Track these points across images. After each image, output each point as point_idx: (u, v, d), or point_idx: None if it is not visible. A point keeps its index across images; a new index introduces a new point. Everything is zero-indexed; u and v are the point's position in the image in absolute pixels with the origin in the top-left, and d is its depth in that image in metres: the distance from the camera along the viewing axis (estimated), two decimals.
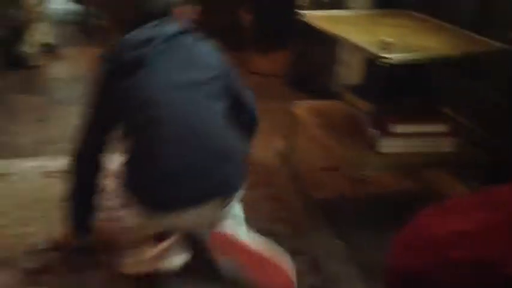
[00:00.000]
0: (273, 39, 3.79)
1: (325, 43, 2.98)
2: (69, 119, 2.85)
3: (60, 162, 2.35)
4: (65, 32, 4.38)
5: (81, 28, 4.45)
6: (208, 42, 1.77)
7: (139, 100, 1.57)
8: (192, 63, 1.67)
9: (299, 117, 2.39)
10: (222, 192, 1.61)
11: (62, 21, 4.67)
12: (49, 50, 3.79)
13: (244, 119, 1.90)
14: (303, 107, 2.42)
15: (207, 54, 1.75)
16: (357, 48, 1.93)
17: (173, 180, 1.55)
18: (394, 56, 1.73)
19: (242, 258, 1.65)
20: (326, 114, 2.32)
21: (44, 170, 2.33)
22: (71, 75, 3.52)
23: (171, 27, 1.65)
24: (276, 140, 2.69)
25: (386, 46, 1.72)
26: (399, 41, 1.83)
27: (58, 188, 2.15)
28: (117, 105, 1.60)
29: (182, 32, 1.67)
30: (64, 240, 1.80)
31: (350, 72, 2.94)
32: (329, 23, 2.15)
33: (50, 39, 3.88)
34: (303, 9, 2.28)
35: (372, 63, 1.82)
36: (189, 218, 1.60)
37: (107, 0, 2.03)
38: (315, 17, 2.27)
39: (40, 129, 2.72)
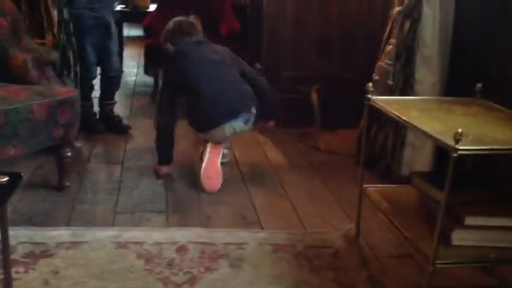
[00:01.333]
0: (341, 117, 3.86)
1: (394, 126, 3.01)
2: (143, 189, 2.98)
3: (134, 233, 2.44)
4: (139, 103, 4.62)
5: (153, 99, 4.67)
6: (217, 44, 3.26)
7: (190, 71, 3.03)
8: (212, 52, 3.14)
9: (369, 199, 2.39)
10: (236, 114, 2.96)
11: (134, 93, 4.94)
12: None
13: (256, 86, 3.13)
14: (373, 190, 2.42)
15: (219, 48, 3.20)
16: (427, 136, 1.93)
17: (212, 112, 2.94)
18: (466, 147, 1.73)
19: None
20: (396, 199, 2.31)
21: (118, 240, 2.40)
22: (145, 146, 3.67)
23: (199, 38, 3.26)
24: (344, 221, 2.69)
25: (458, 136, 1.73)
26: (471, 131, 1.83)
27: (130, 259, 2.24)
28: (179, 78, 3.06)
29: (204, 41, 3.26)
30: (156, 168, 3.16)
31: (420, 157, 2.94)
32: (399, 109, 2.18)
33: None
34: (369, 93, 2.31)
35: (443, 151, 1.82)
36: (220, 131, 2.98)
37: (166, 35, 3.31)
38: (384, 102, 2.31)
39: (115, 199, 2.83)
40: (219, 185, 2.99)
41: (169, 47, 3.21)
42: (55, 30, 3.41)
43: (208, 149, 3.05)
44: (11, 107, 2.54)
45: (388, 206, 2.26)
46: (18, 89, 2.72)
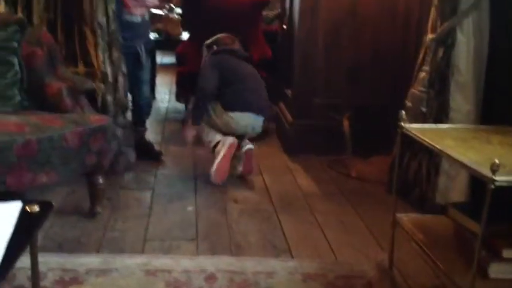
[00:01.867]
0: (373, 144, 3.82)
1: (428, 154, 2.95)
2: (173, 216, 2.97)
3: (163, 261, 2.44)
4: (170, 130, 4.65)
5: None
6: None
7: (233, 64, 3.72)
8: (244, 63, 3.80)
9: (402, 229, 2.33)
10: (260, 112, 3.60)
11: (166, 120, 4.98)
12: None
13: None
14: (407, 219, 2.37)
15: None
16: (463, 166, 1.89)
17: (249, 97, 3.59)
18: (504, 178, 1.67)
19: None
20: (431, 229, 2.25)
21: (147, 267, 2.39)
22: (175, 172, 3.69)
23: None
24: (377, 251, 2.63)
25: (495, 167, 1.68)
26: (508, 161, 1.78)
27: (159, 287, 2.23)
28: (223, 67, 3.66)
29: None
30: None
31: (455, 186, 2.86)
32: (433, 137, 2.14)
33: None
34: (402, 120, 2.28)
35: (479, 181, 1.77)
36: (245, 118, 3.56)
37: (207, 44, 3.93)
38: (418, 130, 2.26)
39: (146, 226, 2.83)
40: (225, 178, 3.48)
41: (205, 51, 3.90)
42: (93, 59, 3.48)
43: (223, 149, 3.47)
44: (45, 135, 2.58)
45: (422, 237, 2.20)
46: (53, 117, 2.77)
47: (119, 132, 3.58)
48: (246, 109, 3.56)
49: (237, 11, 4.92)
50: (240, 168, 3.56)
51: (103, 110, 3.44)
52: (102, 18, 3.43)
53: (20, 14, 3.34)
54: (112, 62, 3.51)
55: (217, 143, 3.57)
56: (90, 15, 3.41)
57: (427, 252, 2.09)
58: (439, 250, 2.08)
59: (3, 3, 3.36)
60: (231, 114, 3.55)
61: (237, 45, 3.94)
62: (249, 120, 3.58)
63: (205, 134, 3.65)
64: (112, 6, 3.48)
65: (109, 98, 3.51)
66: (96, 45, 3.43)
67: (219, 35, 3.95)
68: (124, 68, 3.59)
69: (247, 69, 3.75)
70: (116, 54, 3.52)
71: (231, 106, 3.56)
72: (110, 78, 3.50)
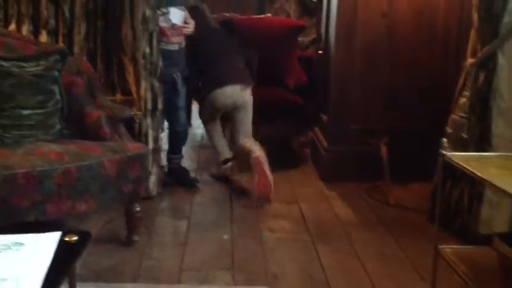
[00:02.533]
0: (412, 171, 3.75)
1: (471, 182, 2.87)
2: (209, 244, 2.96)
3: None
4: (206, 156, 4.66)
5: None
6: None
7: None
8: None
9: (444, 261, 2.25)
10: (242, 81, 3.97)
11: (201, 146, 5.00)
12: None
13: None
14: (449, 251, 2.29)
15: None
16: (508, 195, 1.82)
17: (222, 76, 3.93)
18: None
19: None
20: (475, 262, 2.17)
21: None
22: (209, 200, 3.68)
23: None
24: (417, 283, 2.55)
25: None
26: None
27: None
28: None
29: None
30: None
31: (499, 215, 2.77)
32: (476, 165, 2.07)
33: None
34: (444, 148, 2.22)
35: None
36: (229, 91, 3.90)
37: None
38: (460, 158, 2.20)
39: (182, 254, 2.82)
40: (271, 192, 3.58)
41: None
42: (131, 88, 3.53)
43: (255, 168, 3.62)
44: (84, 163, 2.61)
45: (466, 269, 2.12)
46: (92, 145, 2.80)
47: (156, 158, 3.63)
48: (223, 84, 3.90)
49: (272, 37, 4.94)
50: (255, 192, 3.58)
51: (140, 137, 3.49)
52: (145, 48, 3.50)
53: (61, 44, 3.42)
54: (152, 91, 3.57)
55: (226, 160, 3.98)
56: (130, 45, 3.48)
57: (471, 286, 2.02)
58: (483, 283, 2.00)
59: (44, 34, 3.46)
60: (212, 94, 3.90)
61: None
62: (231, 93, 3.92)
63: (215, 144, 4.08)
64: (156, 37, 3.55)
65: (148, 125, 3.56)
66: (134, 73, 3.49)
67: None
68: (162, 97, 3.64)
69: (215, 45, 4.09)
70: (156, 83, 3.58)
71: (211, 87, 3.93)
72: (150, 106, 3.55)
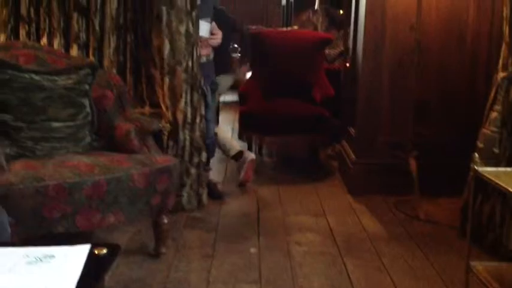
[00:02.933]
0: (441, 184, 3.69)
1: (502, 197, 2.81)
2: (236, 257, 2.95)
3: None
4: (233, 169, 4.66)
5: None
6: None
7: None
8: None
9: (476, 277, 2.21)
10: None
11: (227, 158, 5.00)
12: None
13: None
14: (481, 267, 2.25)
15: None
16: None
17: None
18: None
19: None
20: (508, 279, 2.13)
21: None
22: (236, 212, 3.67)
23: None
24: None
25: None
26: None
27: None
28: None
29: None
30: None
31: None
32: (508, 181, 2.04)
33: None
34: (475, 164, 2.18)
35: None
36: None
37: None
38: (492, 173, 2.17)
39: (209, 267, 2.82)
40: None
41: None
42: (159, 100, 3.57)
43: (246, 164, 4.13)
44: (113, 175, 2.64)
45: (498, 286, 2.08)
46: (121, 157, 2.83)
47: (193, 171, 3.67)
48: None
49: (299, 50, 4.94)
50: (241, 177, 4.15)
51: (177, 150, 3.57)
52: (188, 62, 3.54)
53: (91, 58, 3.48)
54: (192, 104, 3.60)
55: (239, 152, 4.21)
56: (167, 58, 3.51)
57: None
58: None
59: (75, 47, 3.52)
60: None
61: None
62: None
63: (223, 143, 4.25)
64: (197, 50, 3.59)
65: (185, 138, 3.59)
66: (170, 87, 3.52)
67: None
68: (203, 110, 3.67)
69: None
70: (196, 96, 3.61)
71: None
72: (189, 120, 3.59)
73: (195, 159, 3.68)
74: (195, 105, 3.64)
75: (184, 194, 3.62)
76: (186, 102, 3.58)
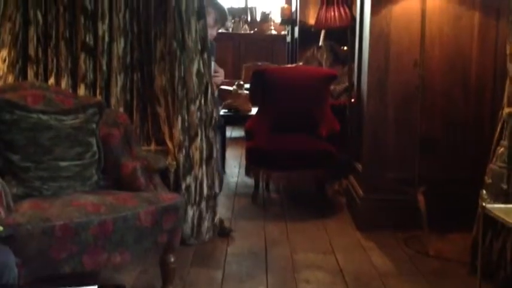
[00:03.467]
0: (451, 220, 3.66)
1: None
2: None
3: None
4: (240, 205, 4.65)
5: (254, 201, 4.69)
6: None
7: None
8: None
9: None
10: None
11: (235, 195, 4.99)
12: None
13: None
14: None
15: None
16: None
17: None
18: None
19: None
20: None
21: None
22: (244, 249, 3.64)
23: None
24: None
25: None
26: None
27: None
28: None
29: None
30: None
31: None
32: None
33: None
34: (484, 201, 2.17)
35: None
36: None
37: None
38: (501, 210, 2.15)
39: None
40: None
41: None
42: (165, 137, 3.60)
43: None
44: (120, 215, 2.63)
45: None
46: (127, 196, 2.83)
47: (211, 204, 3.73)
48: None
49: (304, 86, 4.98)
50: None
51: (195, 187, 3.61)
52: (201, 100, 3.58)
53: (99, 97, 3.52)
54: (208, 140, 3.62)
55: None
56: (162, 96, 3.55)
57: None
58: None
59: (83, 87, 3.56)
60: None
61: None
62: None
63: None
64: (212, 89, 3.64)
65: (202, 173, 3.64)
66: (183, 124, 3.56)
67: None
68: (218, 145, 3.71)
69: None
70: (211, 133, 3.64)
71: None
72: (205, 156, 3.63)
73: (211, 193, 3.70)
74: (211, 141, 3.67)
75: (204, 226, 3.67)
76: (201, 139, 3.61)
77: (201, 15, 3.57)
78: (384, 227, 3.85)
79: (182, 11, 3.50)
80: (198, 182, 3.63)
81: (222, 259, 3.46)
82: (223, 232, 3.88)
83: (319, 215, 4.27)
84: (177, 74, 3.54)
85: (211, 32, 3.86)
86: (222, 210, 4.30)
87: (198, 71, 3.57)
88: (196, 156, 3.61)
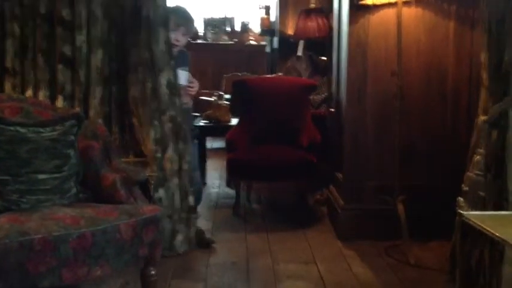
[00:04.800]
0: (430, 228, 3.70)
1: (490, 241, 2.81)
2: None
3: None
4: (221, 216, 4.63)
5: (235, 212, 4.68)
6: None
7: None
8: None
9: None
10: None
11: (217, 206, 4.97)
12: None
13: None
14: None
15: None
16: None
17: None
18: None
19: None
20: None
21: None
22: (225, 261, 3.63)
23: None
24: None
25: None
26: None
27: None
28: None
29: None
30: None
31: None
32: (494, 225, 2.05)
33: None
34: (461, 208, 2.19)
35: None
36: None
37: None
38: (478, 218, 2.17)
39: None
40: None
41: None
42: (143, 149, 3.58)
43: None
44: (99, 227, 2.60)
45: None
46: (107, 208, 2.80)
47: (183, 216, 3.68)
48: None
49: (284, 96, 5.00)
50: None
51: (167, 198, 3.59)
52: (171, 111, 3.57)
53: (77, 109, 3.49)
54: (178, 152, 3.61)
55: None
56: (135, 106, 3.54)
57: None
58: None
59: (61, 99, 3.53)
60: None
61: None
62: None
63: None
64: (180, 99, 3.63)
65: (175, 185, 3.61)
66: (155, 135, 3.54)
67: None
68: (189, 157, 3.69)
69: None
70: (181, 144, 3.63)
71: None
72: (176, 167, 3.60)
73: (184, 205, 3.67)
74: (181, 153, 3.65)
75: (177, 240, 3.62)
76: (173, 151, 3.60)
77: (167, 24, 3.57)
78: (364, 237, 3.87)
79: (151, 21, 3.50)
80: (169, 194, 3.61)
81: (204, 271, 3.45)
82: (204, 243, 3.87)
83: (300, 225, 4.27)
84: (149, 84, 3.53)
85: (177, 37, 3.79)
86: (203, 222, 4.29)
87: (169, 81, 3.57)
88: (168, 167, 3.60)
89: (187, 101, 3.93)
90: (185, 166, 3.68)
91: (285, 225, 4.36)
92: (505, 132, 2.78)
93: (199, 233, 3.95)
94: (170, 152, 3.59)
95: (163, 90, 3.56)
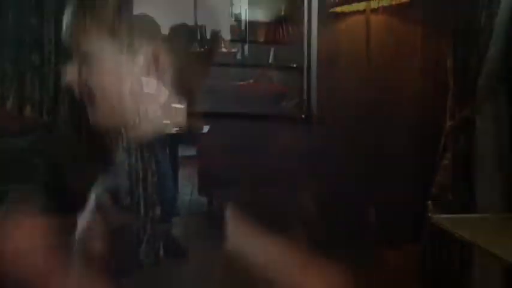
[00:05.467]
0: (400, 231, 3.73)
1: (460, 244, 2.86)
2: None
3: None
4: (192, 225, 4.61)
5: (208, 219, 4.66)
6: None
7: None
8: None
9: None
10: None
11: (188, 214, 4.95)
12: None
13: None
14: None
15: None
16: (496, 257, 1.82)
17: None
18: None
19: None
20: None
21: None
22: (199, 269, 3.61)
23: None
24: None
25: None
26: None
27: None
28: None
29: None
30: None
31: (489, 277, 2.76)
32: (463, 228, 2.09)
33: None
34: (430, 211, 2.23)
35: None
36: None
37: None
38: (447, 221, 2.21)
39: None
40: None
41: None
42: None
43: None
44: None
45: None
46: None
47: (148, 227, 3.60)
48: None
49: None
50: None
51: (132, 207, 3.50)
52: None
53: (45, 118, 3.44)
54: (143, 161, 3.58)
55: None
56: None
57: None
58: None
59: (29, 108, 3.47)
60: None
61: None
62: None
63: None
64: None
65: (139, 195, 3.56)
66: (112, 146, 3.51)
67: None
68: (154, 166, 3.65)
69: None
70: (146, 154, 3.60)
71: None
72: (141, 177, 3.56)
73: (150, 215, 3.63)
74: (146, 161, 3.62)
75: (142, 251, 3.56)
76: (136, 160, 3.56)
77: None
78: (337, 243, 3.88)
79: None
80: (134, 204, 3.58)
81: (177, 280, 3.42)
82: (177, 252, 3.84)
83: None
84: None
85: None
86: (176, 230, 4.26)
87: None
88: (133, 177, 3.57)
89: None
90: (149, 176, 3.65)
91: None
92: (472, 137, 2.85)
93: (175, 241, 3.93)
94: (133, 162, 3.56)
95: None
